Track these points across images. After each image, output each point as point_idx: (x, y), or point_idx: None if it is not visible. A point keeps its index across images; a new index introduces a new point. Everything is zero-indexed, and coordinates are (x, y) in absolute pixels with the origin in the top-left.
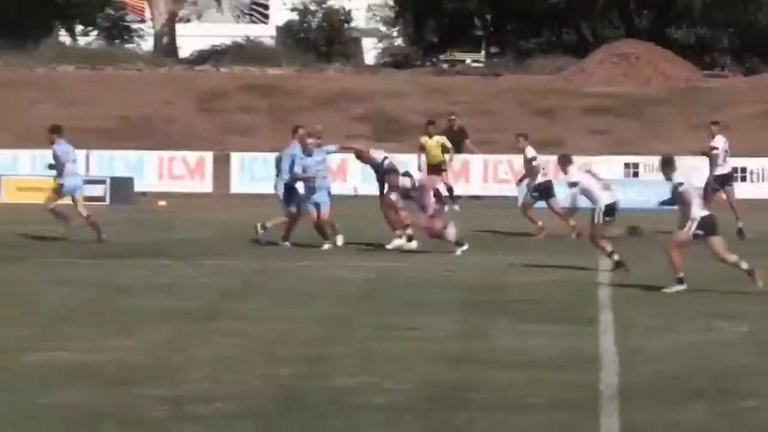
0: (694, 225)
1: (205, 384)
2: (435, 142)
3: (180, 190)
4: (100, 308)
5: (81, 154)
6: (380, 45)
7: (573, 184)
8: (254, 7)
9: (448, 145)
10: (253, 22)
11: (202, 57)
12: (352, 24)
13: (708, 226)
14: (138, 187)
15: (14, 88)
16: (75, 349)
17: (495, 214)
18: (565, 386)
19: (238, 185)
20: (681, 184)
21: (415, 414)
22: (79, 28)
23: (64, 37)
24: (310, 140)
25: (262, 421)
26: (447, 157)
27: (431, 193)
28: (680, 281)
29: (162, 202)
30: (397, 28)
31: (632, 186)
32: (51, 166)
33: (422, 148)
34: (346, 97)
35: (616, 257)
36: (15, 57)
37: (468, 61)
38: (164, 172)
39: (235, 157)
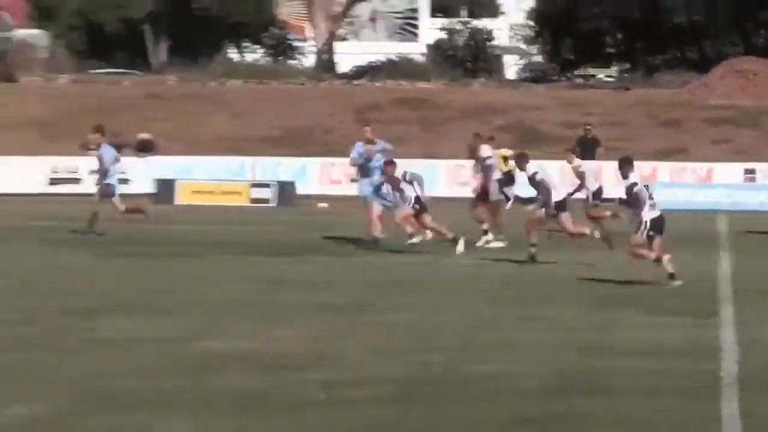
0: (646, 228)
1: (359, 371)
2: (499, 155)
3: (338, 193)
4: (263, 301)
5: (248, 161)
6: (521, 61)
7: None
8: (406, 27)
9: (508, 154)
10: (405, 40)
11: (359, 72)
12: (495, 42)
13: (658, 227)
14: (300, 190)
15: (188, 101)
16: (241, 338)
17: (623, 215)
18: (688, 373)
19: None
20: (635, 184)
21: (552, 398)
22: (246, 46)
23: (233, 54)
24: (368, 146)
25: (413, 405)
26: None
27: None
28: (672, 277)
29: (322, 204)
30: (536, 46)
31: (750, 190)
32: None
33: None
34: (489, 109)
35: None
36: (189, 73)
37: (600, 76)
38: (324, 177)
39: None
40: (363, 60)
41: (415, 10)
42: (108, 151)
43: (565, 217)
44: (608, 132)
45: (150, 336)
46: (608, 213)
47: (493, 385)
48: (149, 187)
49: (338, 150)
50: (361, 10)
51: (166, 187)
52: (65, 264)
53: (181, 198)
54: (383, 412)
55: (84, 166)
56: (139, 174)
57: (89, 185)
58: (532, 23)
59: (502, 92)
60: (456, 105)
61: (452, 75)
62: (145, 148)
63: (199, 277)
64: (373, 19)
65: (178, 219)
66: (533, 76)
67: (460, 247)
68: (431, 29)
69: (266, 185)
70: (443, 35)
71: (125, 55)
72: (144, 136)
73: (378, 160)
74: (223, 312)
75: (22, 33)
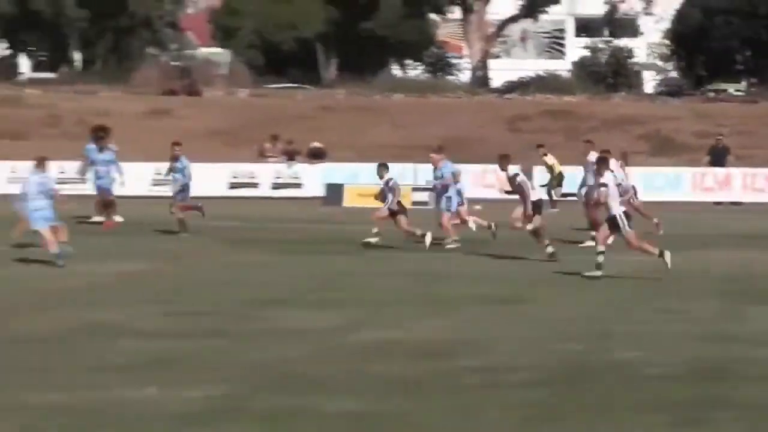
0: (626, 221)
1: (509, 357)
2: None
3: (491, 197)
4: (420, 294)
5: (410, 166)
6: (657, 77)
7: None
8: (553, 45)
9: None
10: (552, 57)
11: (510, 87)
12: (635, 59)
13: (628, 219)
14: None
15: (356, 113)
16: (399, 327)
17: (751, 217)
18: None
19: (541, 192)
20: (606, 185)
21: (683, 384)
22: (408, 63)
23: (396, 70)
24: (434, 155)
25: (557, 389)
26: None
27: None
28: (661, 254)
29: (477, 207)
30: (671, 63)
31: None
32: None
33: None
34: (628, 120)
35: (549, 249)
36: (356, 87)
37: (731, 90)
38: (478, 182)
39: (537, 170)
40: (514, 75)
41: (561, 30)
42: (187, 163)
43: (539, 218)
44: (737, 141)
45: (318, 326)
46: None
47: (631, 371)
48: (320, 191)
49: (491, 158)
50: (513, 31)
51: (335, 190)
52: (245, 260)
53: (348, 201)
54: (533, 396)
55: (261, 171)
56: (311, 179)
57: (266, 189)
58: (668, 42)
59: (641, 105)
60: (598, 116)
61: (595, 89)
62: (316, 156)
63: (363, 272)
64: (523, 39)
65: (345, 220)
66: (669, 90)
67: (428, 239)
68: (576, 48)
69: (425, 189)
70: (587, 53)
71: (298, 71)
72: (315, 144)
73: (440, 176)
74: (383, 303)
75: (205, 51)
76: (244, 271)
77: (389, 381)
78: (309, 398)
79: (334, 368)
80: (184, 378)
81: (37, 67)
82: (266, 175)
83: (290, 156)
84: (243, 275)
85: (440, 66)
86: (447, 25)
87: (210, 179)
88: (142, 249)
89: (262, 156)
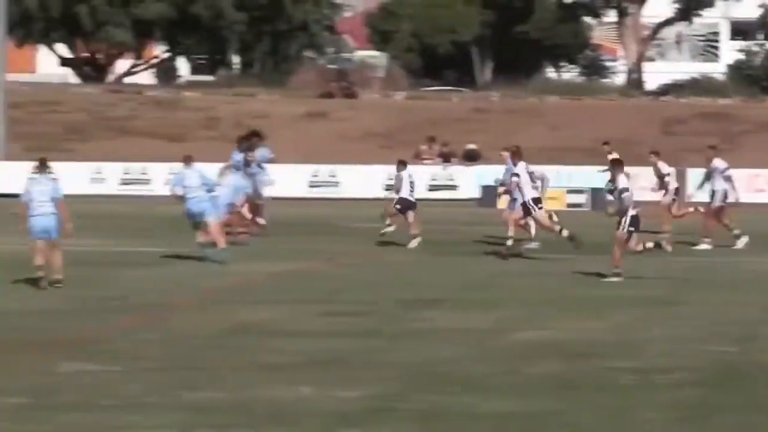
0: (627, 223)
1: (662, 358)
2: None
3: (647, 198)
4: (572, 295)
5: (564, 170)
6: None
7: (516, 175)
8: (708, 48)
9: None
10: (707, 60)
11: (664, 89)
12: None
13: (637, 223)
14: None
15: (510, 115)
16: (553, 328)
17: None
18: None
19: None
20: (627, 189)
21: None
22: (563, 65)
23: (550, 73)
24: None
25: (709, 389)
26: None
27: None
28: (617, 275)
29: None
30: None
31: None
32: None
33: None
34: None
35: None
36: (511, 89)
37: None
38: (632, 184)
39: (690, 172)
40: (668, 78)
41: (716, 34)
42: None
43: (540, 214)
44: None
45: (472, 326)
46: (691, 209)
47: None
48: (475, 193)
49: (645, 160)
50: (668, 34)
51: (489, 192)
52: (398, 261)
53: (503, 202)
54: (685, 396)
55: (416, 173)
56: (466, 181)
57: (422, 191)
58: None
59: None
60: (753, 119)
61: (749, 92)
62: (471, 158)
63: (516, 273)
64: (678, 42)
65: (500, 221)
66: None
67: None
68: (731, 51)
69: (580, 191)
70: (742, 56)
71: (454, 74)
72: (470, 146)
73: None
74: (535, 304)
75: (362, 54)
76: (397, 272)
77: (542, 381)
78: (462, 398)
79: (487, 368)
80: (339, 377)
81: (195, 71)
82: (422, 177)
83: (446, 158)
84: (397, 276)
85: (595, 68)
86: (602, 28)
87: (365, 181)
88: (297, 249)
89: (417, 158)
